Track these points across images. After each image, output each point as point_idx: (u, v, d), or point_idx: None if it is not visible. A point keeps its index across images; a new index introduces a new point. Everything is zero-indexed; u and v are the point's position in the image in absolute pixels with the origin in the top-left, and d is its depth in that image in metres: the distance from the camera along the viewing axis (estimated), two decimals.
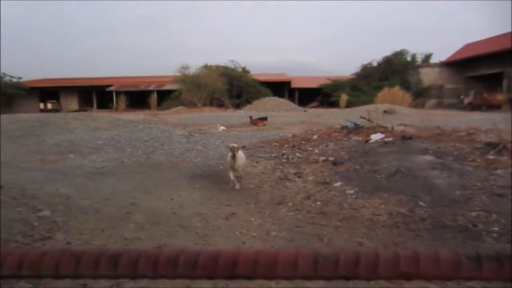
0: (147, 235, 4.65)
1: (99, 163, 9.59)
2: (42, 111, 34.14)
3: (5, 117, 20.22)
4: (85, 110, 24.23)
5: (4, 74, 39.23)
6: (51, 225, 4.83)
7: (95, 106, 43.04)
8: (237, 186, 6.84)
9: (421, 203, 5.27)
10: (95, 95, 45.18)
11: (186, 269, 0.53)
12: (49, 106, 40.82)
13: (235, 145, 6.93)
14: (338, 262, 0.52)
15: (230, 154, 6.76)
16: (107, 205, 5.85)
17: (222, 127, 17.29)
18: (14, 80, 40.54)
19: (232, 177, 6.86)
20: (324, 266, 0.51)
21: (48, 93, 43.89)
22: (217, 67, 41.34)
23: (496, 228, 4.43)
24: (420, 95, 37.58)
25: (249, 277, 0.52)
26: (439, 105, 36.74)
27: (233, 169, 6.81)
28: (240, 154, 6.90)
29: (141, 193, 6.64)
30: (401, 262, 0.52)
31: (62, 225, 4.87)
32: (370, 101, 31.65)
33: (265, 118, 20.55)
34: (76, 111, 31.56)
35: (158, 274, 0.53)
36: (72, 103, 43.96)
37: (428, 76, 40.62)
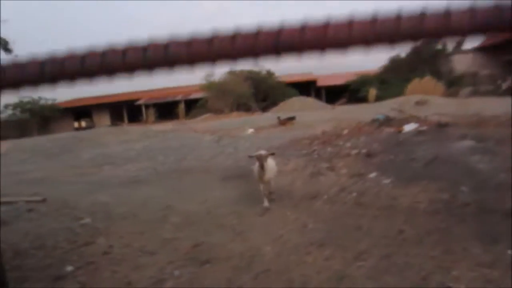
0: (185, 235, 4.73)
1: (133, 172, 9.86)
2: (77, 129, 35.57)
3: (43, 137, 21.26)
4: (116, 125, 25.02)
5: (39, 97, 41.17)
6: (93, 231, 5.04)
7: (125, 120, 44.30)
8: (266, 203, 5.64)
9: (463, 188, 5.04)
10: (125, 109, 46.52)
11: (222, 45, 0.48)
12: (83, 124, 42.47)
13: (262, 152, 5.76)
14: (400, 19, 0.44)
15: (257, 164, 5.71)
16: (144, 210, 6.01)
17: (250, 130, 17.33)
18: (50, 102, 42.46)
19: (262, 190, 5.87)
20: (383, 24, 0.44)
21: (81, 112, 45.63)
22: (241, 72, 41.49)
23: None
24: (453, 84, 36.11)
25: (294, 48, 0.45)
26: (474, 93, 35.13)
27: (263, 181, 5.82)
28: (270, 163, 5.88)
29: (176, 197, 6.76)
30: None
31: (103, 231, 5.07)
32: (400, 93, 30.71)
33: (293, 118, 20.39)
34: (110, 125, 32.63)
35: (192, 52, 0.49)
36: (104, 119, 45.49)
37: (461, 64, 38.92)
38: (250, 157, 5.96)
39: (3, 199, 6.28)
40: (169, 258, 4.01)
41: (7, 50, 10.74)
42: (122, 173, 9.85)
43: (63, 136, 19.65)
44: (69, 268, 3.81)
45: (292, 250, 3.96)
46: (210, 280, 3.43)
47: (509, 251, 3.41)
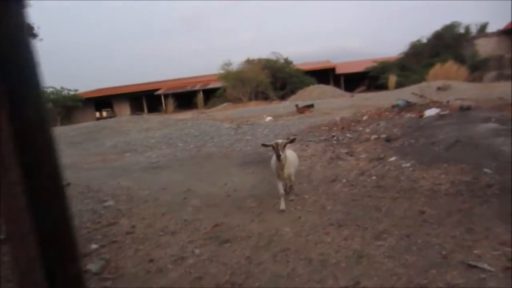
0: (205, 216, 4.83)
1: (154, 158, 10.03)
2: (98, 119, 36.29)
3: (66, 127, 21.83)
4: (136, 115, 25.45)
5: (62, 88, 42.11)
6: (116, 213, 5.21)
7: (145, 110, 44.92)
8: (282, 205, 4.76)
9: (486, 170, 4.94)
10: (145, 99, 47.16)
11: None
12: (104, 114, 43.29)
13: (279, 141, 4.80)
14: None
15: (274, 155, 4.82)
16: (165, 193, 6.15)
17: (269, 117, 17.33)
18: (72, 93, 43.40)
19: (280, 189, 4.95)
20: None
21: (102, 102, 46.54)
22: (259, 60, 41.36)
23: None
24: (477, 68, 34.89)
25: None
26: (499, 77, 33.92)
27: (280, 177, 4.95)
28: (290, 154, 5.04)
29: (196, 181, 6.87)
30: None
31: (126, 212, 5.22)
32: (421, 80, 29.88)
33: (311, 106, 20.27)
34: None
35: None
36: (124, 109, 46.28)
37: (485, 47, 37.54)
38: (265, 145, 4.96)
39: None
40: (190, 237, 4.11)
41: (33, 35, 10.97)
42: (143, 159, 10.04)
43: (86, 125, 20.15)
44: (94, 246, 3.96)
45: (311, 230, 3.98)
46: (230, 258, 3.50)
47: None
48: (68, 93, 42.89)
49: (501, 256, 2.97)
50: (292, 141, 5.05)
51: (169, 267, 3.39)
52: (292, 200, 5.04)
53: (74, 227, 0.67)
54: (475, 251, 3.10)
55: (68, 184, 6.82)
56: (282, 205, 4.78)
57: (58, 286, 0.61)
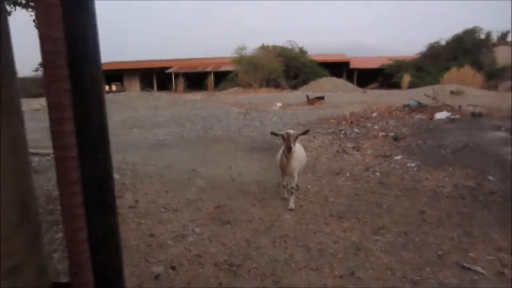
0: (208, 197, 4.89)
1: (161, 136, 10.13)
2: (107, 92, 36.30)
3: None
4: (146, 91, 25.44)
5: None
6: (120, 187, 5.26)
7: (155, 87, 44.92)
8: (291, 204, 4.39)
9: (490, 177, 4.96)
10: (155, 77, 47.10)
11: None
12: (114, 88, 43.24)
13: (290, 131, 4.29)
14: None
15: (283, 147, 4.39)
16: (170, 171, 6.21)
17: (279, 104, 17.33)
18: None
19: (285, 183, 4.69)
20: None
21: (112, 76, 46.41)
22: (274, 47, 41.00)
23: None
24: (493, 76, 34.33)
25: None
26: None
27: (285, 171, 4.49)
28: (298, 149, 4.56)
29: (201, 162, 6.94)
30: None
31: (130, 187, 5.29)
32: (435, 82, 29.45)
33: (322, 98, 20.20)
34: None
35: None
36: (134, 85, 46.29)
37: (504, 56, 36.76)
38: (275, 134, 4.47)
39: (40, 151, 6.64)
40: (191, 216, 4.18)
41: None
42: (150, 136, 10.14)
43: None
44: None
45: (311, 219, 4.05)
46: (230, 239, 3.57)
47: None
48: None
49: (495, 261, 3.03)
50: (305, 132, 4.52)
51: (169, 243, 3.46)
52: (291, 209, 4.35)
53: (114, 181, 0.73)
54: (470, 254, 3.15)
55: None
56: (291, 204, 4.41)
57: (95, 235, 0.67)
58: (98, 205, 0.68)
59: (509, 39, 39.21)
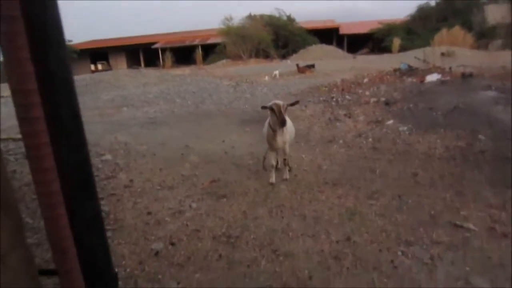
0: (203, 172, 4.90)
1: (151, 114, 10.01)
2: (93, 72, 35.40)
3: None
4: (133, 69, 24.88)
5: None
6: (114, 167, 5.24)
7: (142, 64, 44.04)
8: (272, 178, 4.30)
9: (481, 136, 5.02)
10: (142, 53, 46.11)
11: None
12: (100, 67, 42.21)
13: (279, 102, 3.88)
14: None
15: (269, 118, 4.05)
16: (163, 149, 6.18)
17: (277, 71, 17.16)
18: (65, 43, 41.81)
19: (273, 161, 4.36)
20: None
21: (98, 54, 45.25)
22: (262, 16, 40.14)
23: None
24: (484, 36, 34.07)
25: None
26: (505, 46, 33.24)
27: (273, 146, 4.20)
28: (288, 122, 4.04)
29: (194, 138, 6.91)
30: None
31: (124, 167, 5.26)
32: (426, 45, 29.18)
33: (312, 66, 20.01)
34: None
35: None
36: (120, 62, 45.29)
37: (494, 14, 36.31)
38: (264, 108, 3.99)
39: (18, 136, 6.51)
40: (187, 192, 4.19)
41: None
42: (140, 114, 10.03)
43: (82, 78, 19.81)
44: None
45: (306, 188, 4.09)
46: (227, 212, 3.60)
47: None
48: None
49: (486, 218, 3.12)
50: (294, 103, 4.12)
51: (167, 219, 3.48)
52: (285, 179, 4.36)
53: (91, 164, 0.71)
54: (462, 212, 3.23)
55: None
56: (272, 178, 4.30)
57: (77, 221, 0.66)
58: (78, 191, 0.66)
59: None
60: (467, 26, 34.32)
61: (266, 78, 16.83)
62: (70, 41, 42.51)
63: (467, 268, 2.45)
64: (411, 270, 2.47)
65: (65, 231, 0.64)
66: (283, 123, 3.75)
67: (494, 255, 2.59)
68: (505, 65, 11.92)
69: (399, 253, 2.68)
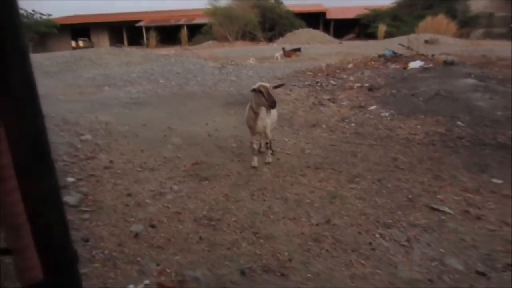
0: (185, 154, 4.86)
1: (134, 94, 9.82)
2: (74, 48, 34.25)
3: (39, 55, 20.78)
4: (116, 47, 24.16)
5: (34, 11, 38.57)
6: (93, 147, 5.11)
7: (125, 42, 42.97)
8: (254, 162, 4.29)
9: (459, 123, 5.14)
10: (125, 31, 44.93)
11: None
12: (81, 43, 40.85)
13: (266, 84, 3.79)
14: None
15: (251, 101, 3.99)
16: (145, 130, 6.09)
17: (278, 53, 17.07)
18: (45, 17, 39.88)
19: (255, 145, 4.39)
20: None
21: (79, 30, 43.78)
22: None
23: None
24: (466, 24, 34.53)
25: None
26: (487, 35, 33.83)
27: (253, 130, 4.18)
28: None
29: (177, 119, 6.83)
30: None
31: (104, 147, 5.15)
32: (411, 32, 29.41)
33: (298, 50, 19.92)
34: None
35: None
36: (103, 40, 44.07)
37: (477, 3, 36.84)
38: (253, 90, 3.85)
39: None
40: (169, 174, 4.15)
41: None
42: (123, 94, 9.82)
43: (62, 54, 19.20)
44: (71, 179, 3.89)
45: (288, 172, 4.11)
46: (208, 195, 3.59)
47: (493, 180, 3.60)
48: (41, 18, 39.45)
49: (462, 201, 3.21)
50: (279, 86, 4.11)
51: (147, 201, 3.44)
52: (268, 163, 4.36)
53: (50, 144, 0.68)
54: (439, 196, 3.32)
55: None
56: (254, 162, 4.29)
57: (32, 197, 0.63)
58: (32, 164, 0.63)
59: None
60: (451, 14, 34.66)
61: (251, 61, 16.67)
62: (49, 15, 40.85)
63: (442, 250, 2.52)
64: (388, 252, 2.52)
65: (18, 206, 0.61)
66: (273, 104, 3.65)
67: (468, 237, 2.67)
68: (485, 54, 12.14)
69: (378, 235, 2.74)
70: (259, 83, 3.85)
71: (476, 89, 6.38)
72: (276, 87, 3.97)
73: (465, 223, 2.86)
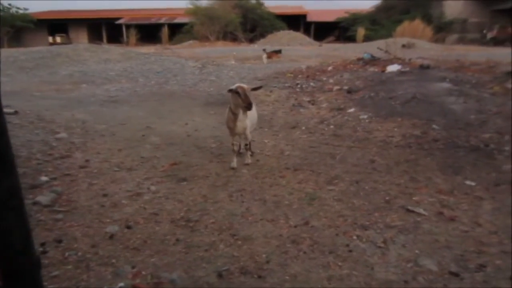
0: (164, 154, 4.79)
1: (112, 92, 9.65)
2: (51, 44, 33.32)
3: (15, 50, 20.13)
4: (95, 43, 23.59)
5: (10, 5, 37.37)
6: (69, 146, 4.99)
7: (104, 39, 42.13)
8: (233, 163, 4.28)
9: (435, 126, 5.26)
10: (105, 28, 44.09)
11: None
12: (58, 39, 39.82)
13: (244, 85, 3.80)
14: None
15: (229, 106, 4.02)
16: (123, 129, 5.99)
17: (264, 55, 17.09)
18: (21, 11, 38.77)
19: (234, 146, 4.36)
20: None
21: (57, 26, 42.72)
22: None
23: (507, 148, 4.48)
24: (441, 30, 35.57)
25: None
26: (461, 40, 34.92)
27: (233, 131, 4.17)
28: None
29: (156, 118, 6.75)
30: None
31: (80, 146, 5.03)
32: (389, 35, 29.96)
33: (279, 51, 20.02)
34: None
35: None
36: (81, 36, 43.09)
37: (452, 9, 38.04)
38: (230, 91, 3.86)
39: None
40: (146, 174, 4.07)
41: None
42: (101, 92, 9.63)
43: (38, 50, 18.66)
44: (44, 178, 3.79)
45: (268, 173, 4.10)
46: (186, 196, 3.54)
47: (467, 182, 3.70)
48: (17, 12, 38.34)
49: (436, 203, 3.29)
50: (257, 88, 4.08)
51: (124, 202, 3.36)
52: (247, 164, 4.35)
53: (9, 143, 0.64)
54: (414, 198, 3.39)
55: (16, 112, 6.42)
56: (234, 163, 4.27)
57: None
58: None
59: None
60: (427, 19, 35.63)
61: (232, 61, 16.63)
62: (26, 9, 39.71)
63: (417, 251, 2.57)
64: (365, 253, 2.55)
65: None
66: (249, 106, 3.67)
67: (442, 238, 2.73)
68: (459, 58, 12.50)
69: (355, 237, 2.76)
70: (237, 84, 3.84)
71: (451, 93, 6.56)
72: (254, 89, 3.95)
73: (439, 225, 2.92)
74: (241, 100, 3.68)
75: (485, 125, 5.22)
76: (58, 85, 10.80)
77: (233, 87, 3.80)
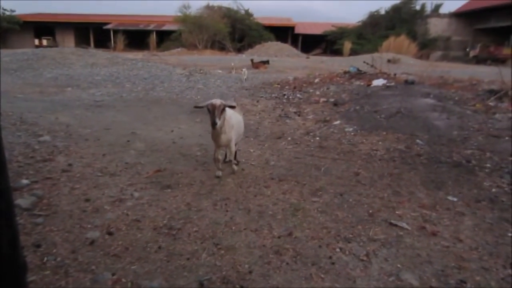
0: (148, 160, 4.74)
1: (98, 96, 9.54)
2: (37, 47, 32.91)
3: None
4: (82, 48, 23.35)
5: None
6: (52, 149, 4.90)
7: (92, 44, 41.76)
8: (218, 172, 4.25)
9: (418, 141, 5.35)
10: (92, 32, 43.73)
11: None
12: (44, 42, 39.38)
13: (216, 101, 3.67)
14: None
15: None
16: (108, 134, 5.91)
17: (245, 69, 16.99)
18: (7, 13, 38.38)
19: (219, 155, 4.27)
20: None
21: (43, 28, 42.22)
22: (220, 7, 39.79)
23: (488, 165, 4.57)
24: (426, 46, 36.60)
25: None
26: (444, 57, 35.95)
27: (217, 143, 4.12)
28: (232, 118, 4.10)
29: (141, 124, 6.69)
30: None
31: (63, 150, 4.94)
32: (375, 50, 30.81)
33: (267, 62, 20.19)
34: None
35: None
36: (68, 40, 42.63)
37: (436, 27, 39.27)
38: (198, 107, 3.88)
39: None
40: (130, 180, 4.01)
41: None
42: (86, 96, 9.51)
43: (23, 52, 18.37)
44: (25, 181, 3.70)
45: (252, 182, 4.09)
46: (170, 203, 3.50)
47: (449, 197, 3.76)
48: (4, 13, 37.92)
49: (419, 217, 3.32)
50: (232, 107, 3.87)
51: (106, 208, 3.30)
52: (233, 173, 4.37)
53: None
54: (397, 212, 3.41)
55: None
56: (219, 172, 4.25)
57: None
58: None
59: (441, 11, 41.64)
60: (412, 35, 36.61)
61: (219, 71, 16.67)
62: (13, 11, 39.18)
63: (399, 265, 2.58)
64: (347, 266, 2.55)
65: None
66: (213, 125, 3.66)
67: (424, 252, 2.75)
68: (443, 75, 12.84)
69: (338, 249, 2.76)
70: (210, 101, 3.73)
71: (434, 109, 6.71)
72: (229, 106, 3.81)
73: (421, 239, 2.95)
74: (210, 116, 3.65)
75: (467, 142, 5.35)
76: (42, 88, 10.63)
77: (207, 103, 3.71)
